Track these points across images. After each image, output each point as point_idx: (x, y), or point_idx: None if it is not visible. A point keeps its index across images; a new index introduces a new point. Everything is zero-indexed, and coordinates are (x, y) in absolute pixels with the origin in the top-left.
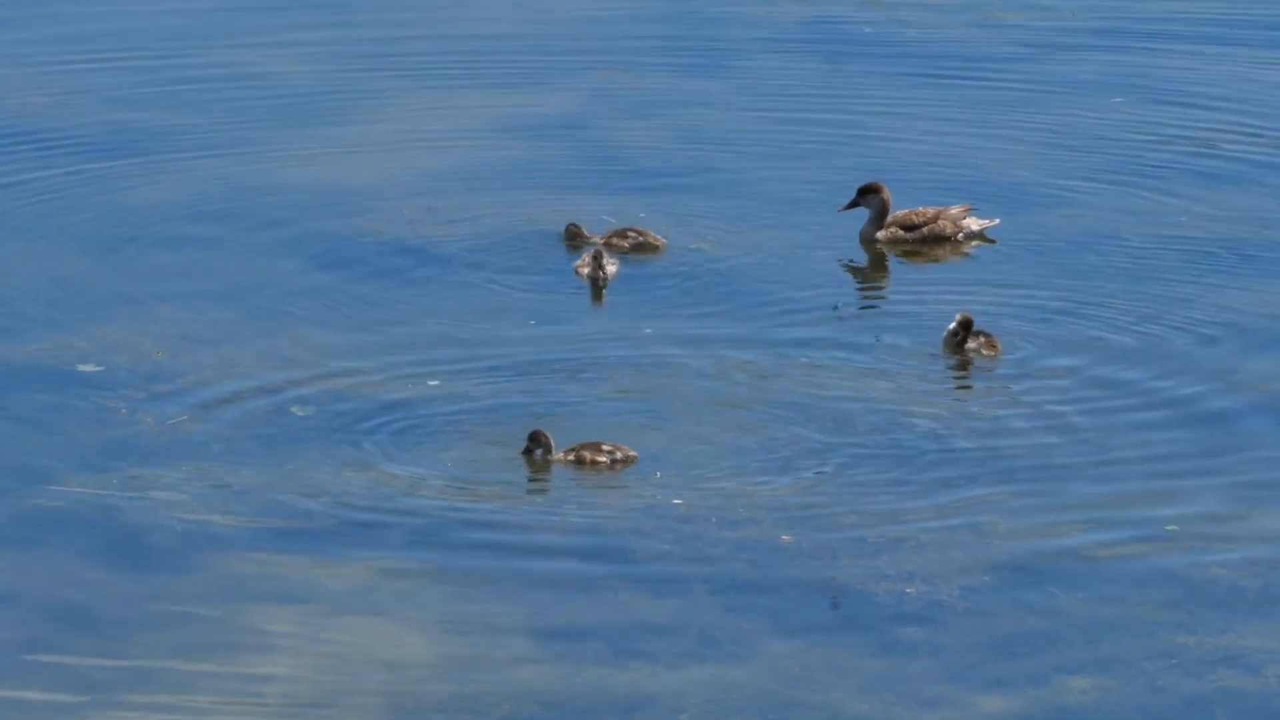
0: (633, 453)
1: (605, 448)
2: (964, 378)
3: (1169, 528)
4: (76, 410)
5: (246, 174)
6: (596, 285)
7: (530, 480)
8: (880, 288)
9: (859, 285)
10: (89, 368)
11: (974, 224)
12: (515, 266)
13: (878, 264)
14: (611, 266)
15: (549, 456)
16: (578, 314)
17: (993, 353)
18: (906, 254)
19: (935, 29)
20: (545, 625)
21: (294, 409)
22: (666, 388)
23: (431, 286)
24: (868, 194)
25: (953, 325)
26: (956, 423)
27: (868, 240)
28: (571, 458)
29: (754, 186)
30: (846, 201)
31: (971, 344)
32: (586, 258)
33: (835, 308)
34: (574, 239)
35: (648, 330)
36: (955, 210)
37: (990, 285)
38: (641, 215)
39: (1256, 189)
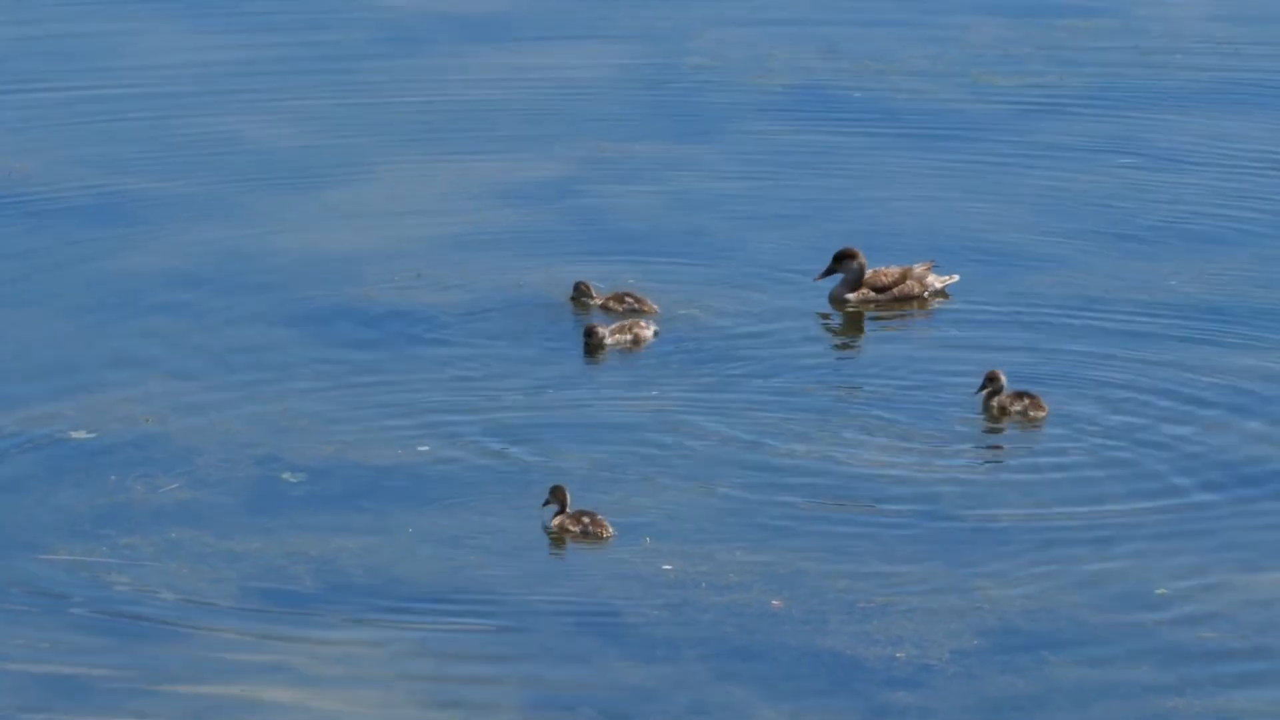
0: (608, 531)
1: (584, 519)
2: (950, 443)
3: (1158, 591)
4: (67, 478)
5: (236, 240)
6: (634, 346)
7: (520, 546)
8: (867, 352)
9: (848, 349)
10: (80, 435)
11: (936, 281)
12: (506, 332)
13: (858, 326)
14: (647, 330)
15: (554, 518)
16: (568, 379)
17: (1040, 414)
18: (878, 315)
19: (924, 94)
20: (535, 692)
21: (284, 476)
22: (655, 452)
23: (421, 352)
24: (844, 260)
25: (987, 388)
26: (945, 487)
27: (839, 301)
28: (555, 523)
29: (745, 251)
30: (823, 269)
31: (1017, 406)
32: (612, 329)
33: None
34: (581, 296)
35: (654, 392)
36: (919, 269)
37: (979, 349)
38: (631, 280)
39: (1246, 251)
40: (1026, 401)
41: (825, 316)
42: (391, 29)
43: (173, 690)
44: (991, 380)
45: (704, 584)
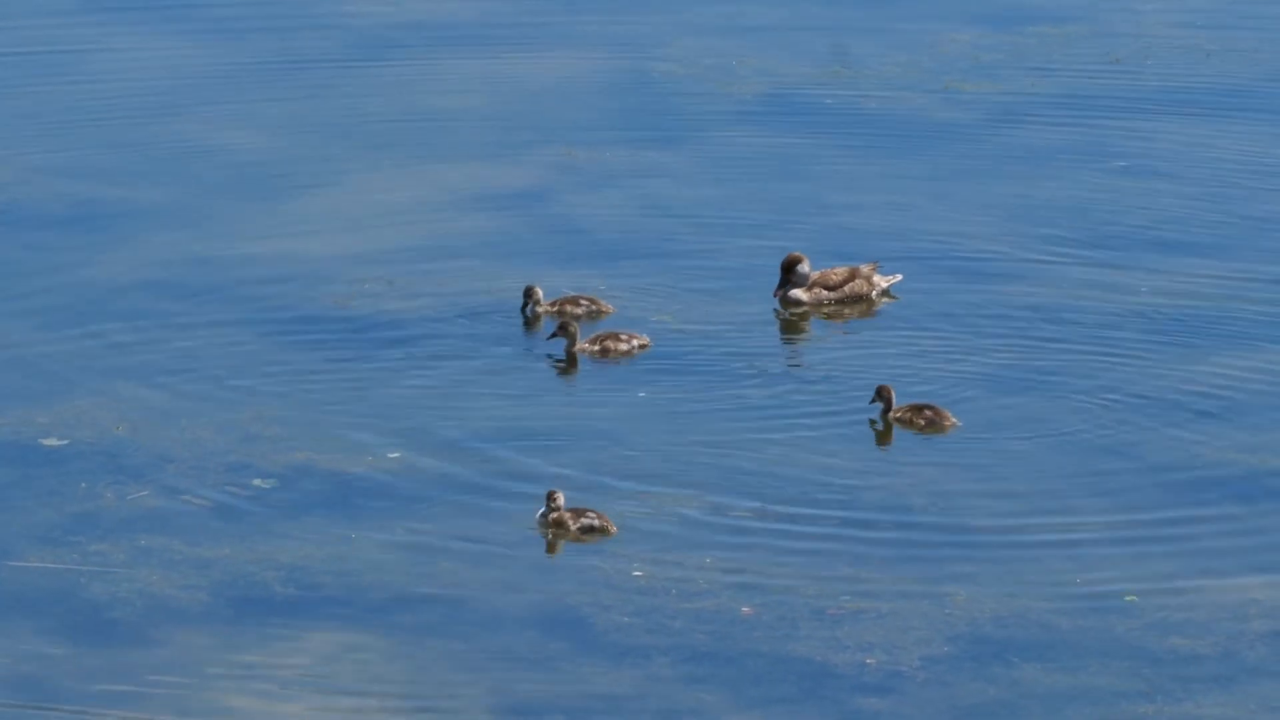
0: (611, 527)
1: (589, 515)
2: (924, 447)
3: (1128, 598)
4: (38, 485)
5: (207, 247)
6: (611, 356)
7: (489, 553)
8: (831, 356)
9: (811, 355)
10: (51, 442)
11: (881, 281)
12: (476, 339)
13: (819, 330)
14: (636, 340)
15: (552, 514)
16: (536, 386)
17: (935, 422)
18: (829, 316)
19: (895, 101)
20: (505, 698)
21: (255, 482)
22: (624, 459)
23: (392, 359)
24: (793, 267)
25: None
26: (915, 492)
27: (793, 302)
28: (554, 518)
29: (715, 258)
30: (777, 283)
31: (920, 419)
32: (586, 342)
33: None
34: (529, 302)
35: (641, 394)
36: (865, 269)
37: (946, 355)
38: (602, 287)
39: (1217, 259)
40: (929, 414)
41: (785, 320)
42: (361, 37)
43: (143, 697)
44: (881, 394)
45: (674, 590)
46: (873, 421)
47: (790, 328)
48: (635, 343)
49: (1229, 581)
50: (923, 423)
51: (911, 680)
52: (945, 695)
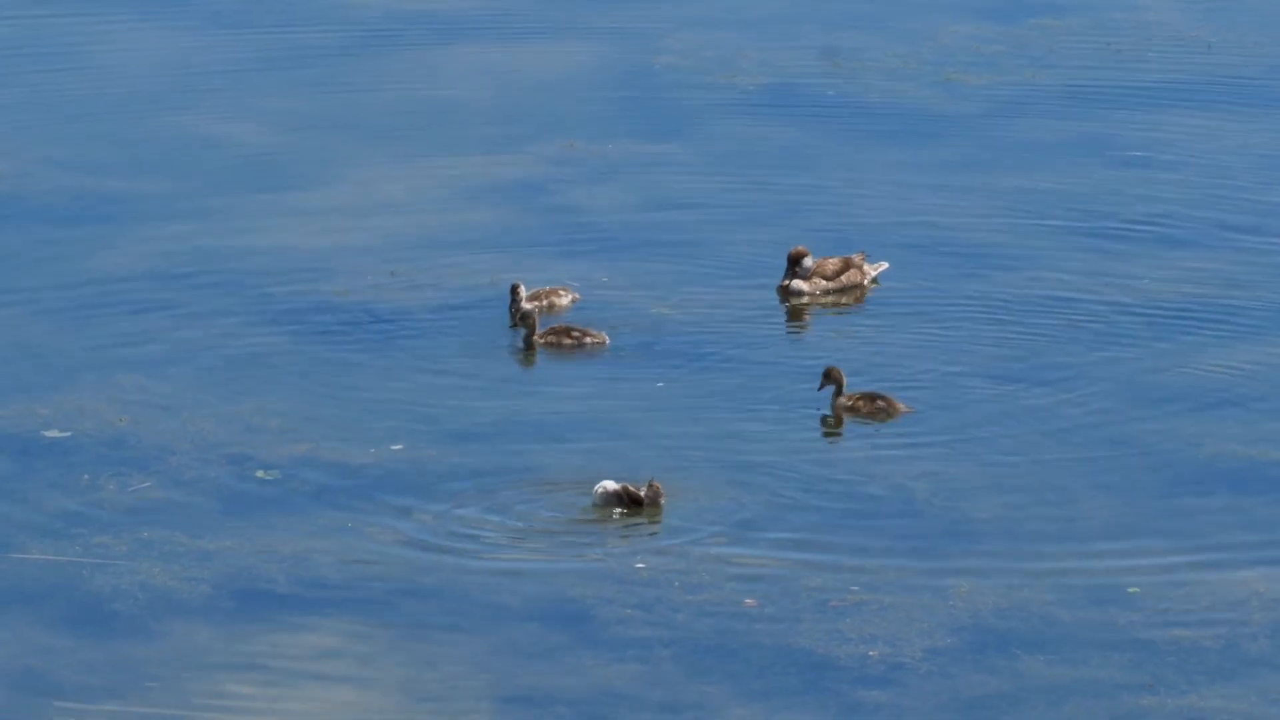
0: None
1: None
2: (925, 439)
3: (1131, 590)
4: (40, 476)
5: (210, 239)
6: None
7: (492, 546)
8: (832, 347)
9: (812, 345)
10: (53, 434)
11: (870, 270)
12: (479, 329)
13: (820, 322)
14: (590, 338)
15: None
16: (538, 378)
17: (896, 413)
18: (826, 305)
19: (898, 92)
20: (508, 691)
21: (257, 474)
22: (626, 451)
23: (395, 350)
24: (800, 260)
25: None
26: (918, 484)
27: (794, 294)
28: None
29: (718, 250)
30: (786, 274)
31: (869, 408)
32: (540, 334)
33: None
34: (514, 295)
35: (659, 383)
36: (856, 258)
37: (948, 345)
38: (604, 279)
39: (1217, 250)
40: (880, 403)
41: (785, 311)
42: (363, 29)
43: (145, 689)
44: (828, 377)
45: (676, 583)
46: (825, 418)
47: (791, 318)
48: (588, 340)
49: (1231, 573)
50: (874, 411)
51: (914, 672)
52: (948, 687)
